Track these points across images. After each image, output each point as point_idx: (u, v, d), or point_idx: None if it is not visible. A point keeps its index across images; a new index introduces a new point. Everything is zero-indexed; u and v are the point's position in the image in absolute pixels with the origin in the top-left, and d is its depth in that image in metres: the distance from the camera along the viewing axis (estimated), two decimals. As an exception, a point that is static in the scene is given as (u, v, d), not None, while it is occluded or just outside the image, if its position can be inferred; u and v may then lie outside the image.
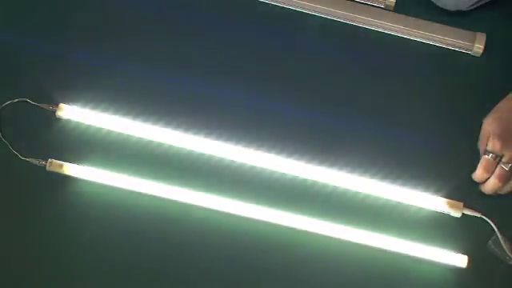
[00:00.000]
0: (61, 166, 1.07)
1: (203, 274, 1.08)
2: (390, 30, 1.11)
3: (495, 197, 1.08)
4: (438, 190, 1.07)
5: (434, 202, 1.07)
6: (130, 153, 1.09)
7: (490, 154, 1.04)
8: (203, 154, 1.08)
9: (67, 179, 1.08)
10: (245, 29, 1.12)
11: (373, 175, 1.08)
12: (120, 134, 1.08)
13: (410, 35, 1.11)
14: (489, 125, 1.05)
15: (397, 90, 1.12)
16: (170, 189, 1.07)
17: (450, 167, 1.10)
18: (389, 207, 1.08)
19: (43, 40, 1.11)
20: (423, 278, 1.07)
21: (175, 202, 1.07)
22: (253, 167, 1.08)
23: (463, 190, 1.08)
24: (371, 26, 1.12)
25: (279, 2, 1.11)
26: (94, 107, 1.09)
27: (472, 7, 1.12)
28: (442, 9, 1.13)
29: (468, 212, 1.06)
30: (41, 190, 1.08)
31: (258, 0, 1.11)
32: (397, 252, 1.06)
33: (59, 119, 1.09)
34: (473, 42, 1.10)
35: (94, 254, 1.07)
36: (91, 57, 1.11)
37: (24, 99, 1.09)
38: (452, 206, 1.07)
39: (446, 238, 1.07)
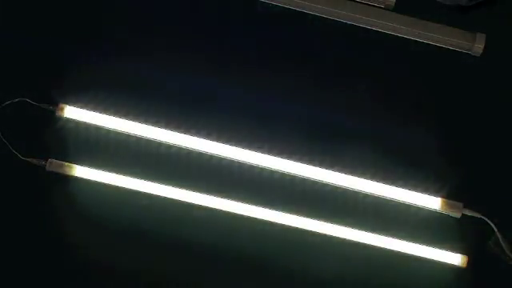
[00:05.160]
0: (61, 165, 1.07)
1: (203, 273, 1.08)
2: (390, 29, 1.11)
3: (495, 197, 1.09)
4: (437, 191, 1.08)
5: (434, 203, 1.07)
6: (130, 153, 1.09)
7: None
8: (203, 154, 1.08)
9: (67, 179, 1.08)
10: (245, 29, 1.12)
11: (373, 175, 1.08)
12: (120, 133, 1.08)
13: (410, 35, 1.11)
14: None
15: (397, 90, 1.12)
16: (170, 189, 1.07)
17: (450, 167, 1.10)
18: (389, 207, 1.08)
19: (43, 40, 1.11)
20: (423, 277, 1.08)
21: (175, 202, 1.07)
22: (253, 167, 1.08)
23: (463, 190, 1.08)
24: (371, 25, 1.11)
25: (279, 2, 1.11)
26: (94, 107, 1.08)
27: (471, 3, 1.11)
28: (441, 9, 1.13)
29: (468, 212, 1.06)
30: (41, 189, 1.08)
31: (258, 0, 1.10)
32: (397, 252, 1.06)
33: (59, 119, 1.09)
34: (473, 42, 1.10)
35: (94, 254, 1.08)
36: (91, 57, 1.11)
37: (24, 99, 1.08)
38: (452, 207, 1.07)
39: (446, 238, 1.07)
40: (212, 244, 1.08)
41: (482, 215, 1.07)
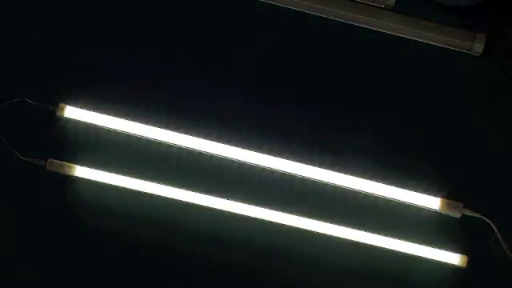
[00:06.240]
0: (61, 165, 1.07)
1: (203, 273, 1.08)
2: (390, 29, 1.11)
3: (495, 197, 1.09)
4: (437, 191, 1.08)
5: (433, 203, 1.07)
6: (129, 153, 1.09)
7: None
8: (203, 154, 1.08)
9: (67, 179, 1.08)
10: (245, 29, 1.12)
11: (373, 175, 1.08)
12: (120, 133, 1.08)
13: (410, 35, 1.11)
14: None
15: (397, 90, 1.12)
16: (170, 189, 1.07)
17: (449, 167, 1.10)
18: (389, 207, 1.08)
19: (43, 40, 1.11)
20: (423, 277, 1.08)
21: (175, 202, 1.07)
22: (253, 167, 1.08)
23: (463, 190, 1.08)
24: (371, 26, 1.11)
25: (279, 2, 1.11)
26: (94, 107, 1.08)
27: (471, 3, 1.12)
28: (441, 9, 1.13)
29: (468, 212, 1.06)
30: (41, 190, 1.08)
31: (258, 0, 1.11)
32: (397, 252, 1.06)
33: (59, 119, 1.09)
34: (473, 42, 1.10)
35: (94, 254, 1.08)
36: (91, 57, 1.11)
37: (24, 99, 1.09)
38: (452, 207, 1.07)
39: (446, 239, 1.07)
40: (212, 244, 1.08)
41: (482, 215, 1.07)
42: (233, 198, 1.07)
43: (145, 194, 1.07)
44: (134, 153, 1.09)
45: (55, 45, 1.11)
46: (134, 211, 1.08)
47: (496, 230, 1.06)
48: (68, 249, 1.08)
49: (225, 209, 1.07)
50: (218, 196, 1.07)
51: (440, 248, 1.06)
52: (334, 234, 1.07)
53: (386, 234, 1.07)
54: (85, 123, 1.08)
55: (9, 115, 1.09)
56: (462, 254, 1.06)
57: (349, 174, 1.08)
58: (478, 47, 1.10)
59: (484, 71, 1.13)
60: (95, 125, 1.08)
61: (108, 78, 1.11)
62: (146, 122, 1.08)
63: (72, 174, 1.07)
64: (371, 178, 1.07)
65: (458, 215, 1.07)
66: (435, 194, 1.07)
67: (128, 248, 1.08)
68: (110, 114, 1.08)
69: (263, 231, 1.07)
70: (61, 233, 1.08)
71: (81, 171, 1.07)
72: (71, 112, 1.08)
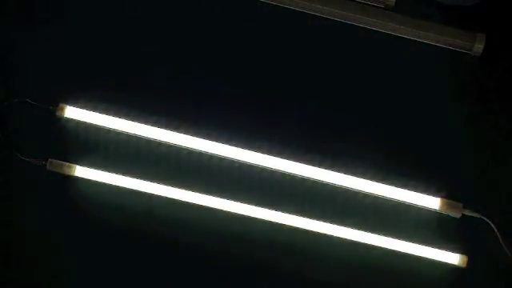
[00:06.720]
0: (61, 165, 1.07)
1: (203, 273, 1.08)
2: (390, 29, 1.11)
3: (495, 197, 1.09)
4: (438, 191, 1.08)
5: (433, 203, 1.07)
6: (130, 153, 1.09)
7: None
8: (203, 154, 1.08)
9: (67, 179, 1.08)
10: (245, 29, 1.12)
11: (373, 175, 1.08)
12: (120, 133, 1.08)
13: (410, 35, 1.11)
14: None
15: (397, 90, 1.12)
16: (170, 189, 1.07)
17: (450, 168, 1.10)
18: (389, 207, 1.08)
19: (43, 40, 1.11)
20: (423, 277, 1.08)
21: (175, 202, 1.07)
22: (253, 167, 1.08)
23: (463, 190, 1.08)
24: (371, 25, 1.11)
25: (279, 2, 1.11)
26: (94, 107, 1.08)
27: (471, 3, 1.12)
28: (441, 9, 1.13)
29: (468, 212, 1.06)
30: (41, 189, 1.08)
31: (258, 0, 1.11)
32: (397, 252, 1.06)
33: (59, 119, 1.09)
34: (473, 42, 1.10)
35: (94, 254, 1.08)
36: (91, 57, 1.11)
37: (24, 99, 1.09)
38: (452, 207, 1.07)
39: (446, 239, 1.07)
40: (212, 244, 1.08)
41: (482, 215, 1.07)
42: (233, 198, 1.07)
43: (145, 193, 1.07)
44: (134, 153, 1.09)
45: (55, 45, 1.11)
46: (134, 211, 1.08)
47: (496, 230, 1.06)
48: (68, 249, 1.08)
49: (225, 209, 1.07)
50: (218, 196, 1.07)
51: (440, 248, 1.07)
52: (334, 234, 1.07)
53: (385, 234, 1.07)
54: (85, 123, 1.08)
55: (9, 115, 1.09)
56: (462, 253, 1.06)
57: (349, 174, 1.08)
58: (478, 47, 1.10)
59: (484, 71, 1.12)
60: (95, 125, 1.08)
61: (108, 78, 1.11)
62: (146, 122, 1.08)
63: (72, 173, 1.07)
64: (371, 178, 1.08)
65: (457, 215, 1.07)
66: (435, 194, 1.07)
67: (128, 247, 1.08)
68: (109, 114, 1.08)
69: (263, 231, 1.07)
70: (61, 233, 1.08)
71: (81, 171, 1.07)
72: (71, 112, 1.08)
